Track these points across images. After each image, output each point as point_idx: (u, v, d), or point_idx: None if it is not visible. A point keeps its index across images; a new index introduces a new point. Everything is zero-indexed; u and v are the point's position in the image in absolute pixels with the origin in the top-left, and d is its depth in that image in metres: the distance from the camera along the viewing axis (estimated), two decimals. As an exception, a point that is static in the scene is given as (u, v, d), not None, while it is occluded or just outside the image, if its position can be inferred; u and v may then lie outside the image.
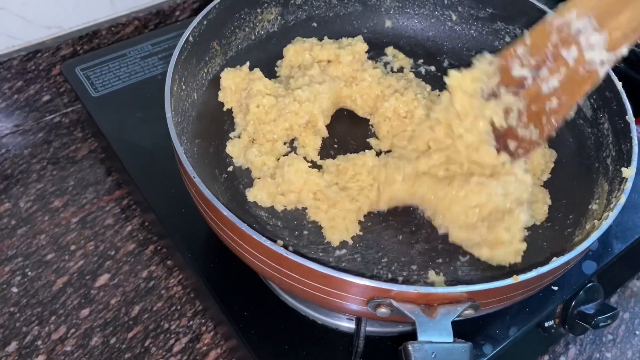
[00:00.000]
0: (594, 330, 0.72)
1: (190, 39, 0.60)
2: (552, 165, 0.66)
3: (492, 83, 0.59)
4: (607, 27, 0.52)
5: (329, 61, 0.70)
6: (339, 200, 0.59)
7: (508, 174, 0.57)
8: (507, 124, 0.58)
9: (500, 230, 0.55)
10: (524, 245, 0.56)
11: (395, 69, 0.76)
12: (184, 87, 0.61)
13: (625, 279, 0.79)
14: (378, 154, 0.65)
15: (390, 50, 0.77)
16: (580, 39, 0.53)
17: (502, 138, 0.58)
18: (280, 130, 0.64)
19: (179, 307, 0.68)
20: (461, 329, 0.57)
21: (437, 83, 0.74)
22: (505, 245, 0.56)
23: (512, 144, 0.59)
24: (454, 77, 0.59)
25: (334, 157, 0.65)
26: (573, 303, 0.67)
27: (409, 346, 0.40)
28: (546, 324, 0.68)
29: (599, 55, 0.52)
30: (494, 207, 0.56)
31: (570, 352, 0.73)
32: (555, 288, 0.64)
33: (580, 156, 0.63)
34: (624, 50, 0.52)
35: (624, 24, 0.51)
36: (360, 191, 0.60)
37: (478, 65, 0.60)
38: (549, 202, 0.63)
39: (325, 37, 0.74)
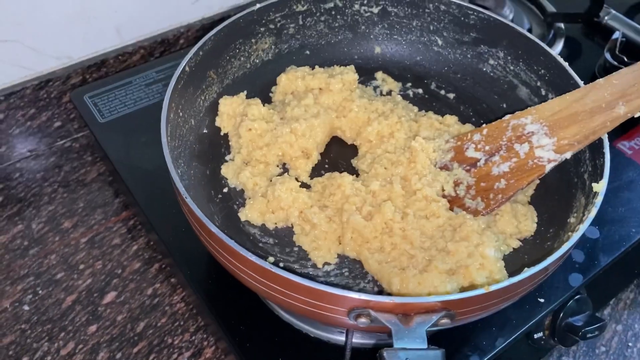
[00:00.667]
0: (583, 341, 0.74)
1: (187, 69, 0.64)
2: (538, 181, 0.68)
3: (447, 158, 0.67)
4: (556, 135, 0.61)
5: (320, 89, 0.73)
6: (316, 223, 0.62)
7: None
8: (455, 193, 0.65)
9: (475, 276, 0.57)
10: (502, 271, 0.58)
11: (384, 92, 0.79)
12: (181, 113, 0.64)
13: (616, 291, 0.80)
14: (358, 174, 0.69)
15: (379, 75, 0.80)
16: (532, 139, 0.62)
17: (450, 203, 0.64)
18: (273, 155, 0.68)
19: (182, 323, 0.71)
20: (448, 340, 0.60)
21: (424, 105, 0.78)
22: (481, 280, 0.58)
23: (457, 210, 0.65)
24: (419, 142, 0.66)
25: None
26: (561, 315, 0.69)
27: (384, 353, 0.43)
28: (535, 336, 0.70)
29: (547, 154, 0.61)
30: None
31: (563, 364, 0.75)
32: (542, 300, 0.65)
33: (560, 172, 0.65)
34: (568, 155, 0.60)
35: (570, 136, 0.60)
36: (336, 212, 0.63)
37: (438, 140, 0.68)
38: (536, 219, 0.65)
39: (317, 66, 0.78)
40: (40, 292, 0.73)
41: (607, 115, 0.59)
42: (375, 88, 0.80)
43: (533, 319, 0.64)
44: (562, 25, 0.97)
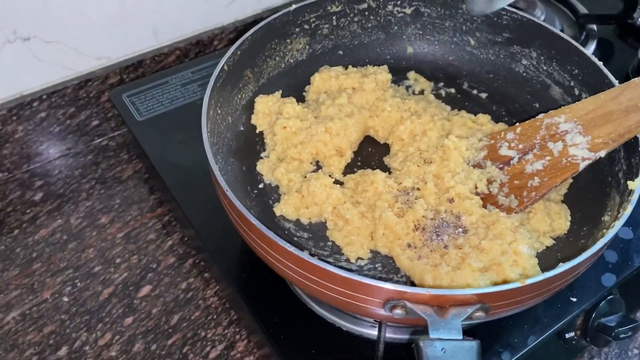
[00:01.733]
0: (616, 343, 0.73)
1: (225, 67, 0.66)
2: (571, 180, 0.68)
3: (480, 156, 0.67)
4: (590, 134, 0.61)
5: (353, 88, 0.75)
6: (349, 219, 0.63)
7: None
8: (488, 190, 0.65)
9: (508, 272, 0.57)
10: (535, 268, 0.59)
11: (416, 92, 0.80)
12: (219, 111, 0.66)
13: (649, 293, 0.79)
14: (390, 172, 0.70)
15: (412, 74, 0.81)
16: (566, 137, 0.62)
17: (483, 201, 0.65)
18: (307, 152, 0.69)
19: (215, 317, 0.72)
20: (480, 336, 0.60)
21: (456, 104, 0.78)
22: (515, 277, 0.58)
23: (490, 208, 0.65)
24: (452, 141, 0.67)
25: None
26: (593, 315, 0.68)
27: (420, 342, 0.44)
28: (567, 335, 0.70)
29: (581, 152, 0.61)
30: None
31: (595, 365, 0.74)
32: (574, 299, 0.65)
33: (594, 171, 0.65)
34: (602, 153, 0.60)
35: (604, 134, 0.60)
36: (369, 208, 0.64)
37: (471, 139, 0.69)
38: (569, 217, 0.65)
39: (350, 66, 0.79)
40: (78, 284, 0.75)
41: None
42: (407, 88, 0.80)
43: (565, 318, 0.64)
44: (594, 26, 0.96)
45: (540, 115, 0.66)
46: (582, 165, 0.61)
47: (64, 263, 0.78)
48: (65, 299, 0.74)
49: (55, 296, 0.74)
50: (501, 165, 0.66)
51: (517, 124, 0.68)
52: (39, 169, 0.89)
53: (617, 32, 0.99)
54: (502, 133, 0.67)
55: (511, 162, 0.65)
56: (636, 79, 0.61)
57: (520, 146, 0.65)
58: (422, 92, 0.80)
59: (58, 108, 0.89)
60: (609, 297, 0.68)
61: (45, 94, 0.86)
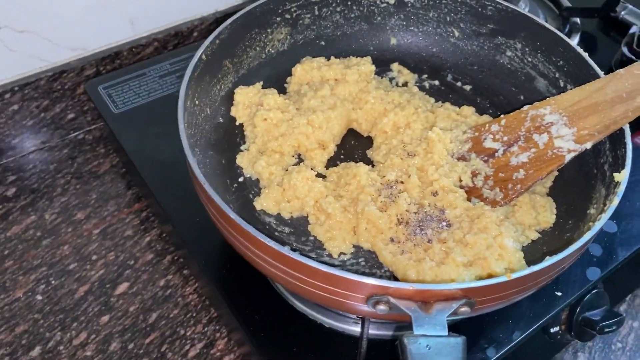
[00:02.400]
0: (601, 336, 0.73)
1: (203, 57, 0.64)
2: (556, 173, 0.68)
3: (464, 148, 0.66)
4: (576, 125, 0.61)
5: (336, 80, 0.73)
6: (331, 213, 0.61)
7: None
8: (473, 183, 0.64)
9: (494, 267, 0.56)
10: (521, 262, 0.58)
11: (400, 84, 0.79)
12: (197, 102, 0.64)
13: (633, 286, 0.79)
14: (373, 165, 0.68)
15: (395, 66, 0.80)
16: (551, 129, 0.61)
17: (467, 194, 0.63)
18: (288, 145, 0.67)
19: (194, 314, 0.71)
20: (465, 332, 0.59)
21: (440, 96, 0.77)
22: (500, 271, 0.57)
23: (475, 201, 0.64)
24: (436, 133, 0.65)
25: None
26: (578, 309, 0.68)
27: (405, 339, 0.42)
28: (552, 330, 0.69)
29: (567, 144, 0.60)
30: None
31: (579, 359, 0.74)
32: (559, 293, 0.65)
33: (580, 163, 0.64)
34: (588, 145, 0.59)
35: (590, 126, 0.59)
36: (352, 202, 0.62)
37: (455, 131, 0.67)
38: (555, 210, 0.65)
39: (333, 57, 0.77)
40: (53, 282, 0.73)
41: (628, 105, 0.58)
42: (391, 79, 0.79)
43: (550, 313, 0.63)
44: (578, 20, 0.96)
45: (525, 107, 0.65)
46: (568, 157, 0.60)
47: (37, 260, 0.75)
48: (39, 297, 0.72)
49: (28, 295, 0.72)
50: (486, 158, 0.65)
51: (502, 115, 0.67)
52: (12, 163, 0.87)
53: (600, 26, 0.99)
54: (487, 125, 0.67)
55: (496, 154, 0.64)
56: (621, 69, 0.60)
57: (505, 138, 0.64)
58: (405, 84, 0.79)
59: (31, 100, 0.86)
60: (593, 291, 0.68)
61: (17, 85, 0.84)
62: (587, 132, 0.59)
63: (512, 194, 0.62)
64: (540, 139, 0.62)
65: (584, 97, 0.61)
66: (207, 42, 0.64)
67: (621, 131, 0.59)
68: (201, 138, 0.66)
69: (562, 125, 0.61)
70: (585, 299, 0.68)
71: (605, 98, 0.59)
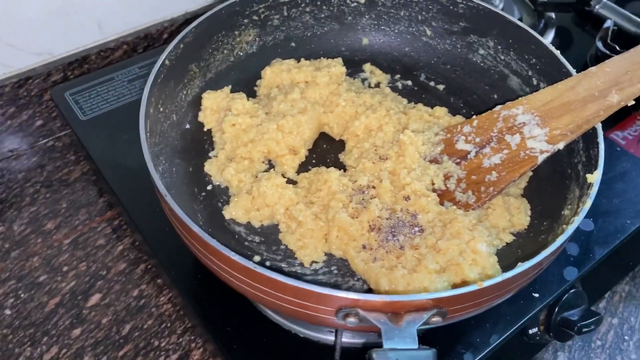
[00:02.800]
0: (579, 336, 0.73)
1: (167, 62, 0.62)
2: (530, 173, 0.67)
3: (436, 151, 0.65)
4: (548, 125, 0.60)
5: (306, 82, 0.72)
6: (302, 221, 0.60)
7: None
8: (445, 186, 0.63)
9: (467, 272, 0.55)
10: (495, 266, 0.57)
11: (372, 85, 0.78)
12: (161, 109, 0.62)
13: (611, 284, 0.79)
14: (345, 169, 0.67)
15: (367, 66, 0.79)
16: (523, 129, 0.60)
17: (440, 197, 0.62)
18: (258, 151, 0.66)
19: (168, 325, 0.69)
20: (440, 338, 0.59)
21: (413, 97, 0.76)
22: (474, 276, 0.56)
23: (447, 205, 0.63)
24: (407, 135, 0.64)
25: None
26: (556, 309, 0.67)
27: (373, 354, 0.41)
28: (530, 331, 0.68)
29: (540, 145, 0.59)
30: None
31: (559, 359, 0.73)
32: (537, 295, 0.64)
33: (554, 163, 0.64)
34: (561, 146, 0.58)
35: (562, 126, 0.58)
36: (323, 208, 0.61)
37: (427, 133, 0.66)
38: (529, 212, 0.64)
39: (303, 58, 0.76)
40: (22, 295, 0.72)
41: (600, 104, 0.57)
42: (363, 80, 0.78)
43: (528, 315, 0.63)
44: (552, 14, 0.95)
45: (498, 107, 0.64)
46: (541, 158, 0.59)
47: (5, 273, 0.73)
48: (8, 311, 0.70)
49: (-4, 309, 0.70)
50: (458, 160, 0.64)
51: (474, 116, 0.66)
52: (-22, 173, 0.85)
53: (575, 20, 0.99)
54: (459, 126, 0.66)
55: (468, 156, 0.64)
56: (593, 68, 0.60)
57: (478, 139, 0.64)
58: (378, 85, 0.78)
59: (-4, 108, 0.84)
60: (571, 291, 0.68)
61: (-19, 93, 0.81)
62: (560, 132, 0.58)
63: (484, 196, 0.61)
64: (513, 139, 0.61)
65: (556, 96, 0.60)
66: (170, 46, 0.62)
67: (594, 131, 0.58)
68: (167, 146, 0.64)
69: (534, 126, 0.60)
70: (564, 299, 0.67)
71: (577, 97, 0.59)
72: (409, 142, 0.63)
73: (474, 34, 0.75)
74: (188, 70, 0.68)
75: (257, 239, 0.62)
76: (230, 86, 0.71)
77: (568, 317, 0.67)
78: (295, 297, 0.46)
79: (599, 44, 0.86)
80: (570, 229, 0.50)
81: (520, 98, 0.63)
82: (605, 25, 0.88)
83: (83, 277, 0.73)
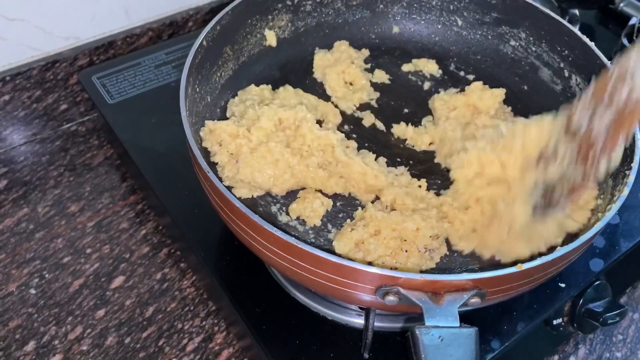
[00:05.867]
0: (603, 328, 0.73)
1: (204, 43, 0.62)
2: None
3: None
4: None
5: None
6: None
7: None
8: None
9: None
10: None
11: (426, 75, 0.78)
12: (197, 89, 0.63)
13: (634, 279, 0.79)
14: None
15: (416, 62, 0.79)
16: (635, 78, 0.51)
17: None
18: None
19: (192, 308, 0.70)
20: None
21: (442, 86, 0.76)
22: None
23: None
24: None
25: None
26: (581, 301, 0.67)
27: (417, 330, 0.41)
28: (554, 322, 0.68)
29: None
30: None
31: (580, 351, 0.73)
32: (563, 285, 0.64)
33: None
34: None
35: None
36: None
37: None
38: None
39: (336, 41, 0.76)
40: (46, 275, 0.72)
41: None
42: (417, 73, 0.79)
43: (554, 304, 0.63)
44: (576, 11, 0.95)
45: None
46: None
47: (30, 254, 0.74)
48: (33, 291, 0.70)
49: (21, 288, 0.70)
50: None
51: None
52: (2, 155, 0.85)
53: (598, 18, 0.99)
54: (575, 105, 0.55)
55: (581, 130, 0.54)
56: None
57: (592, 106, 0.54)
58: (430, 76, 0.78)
59: (23, 91, 0.84)
60: (596, 283, 0.68)
61: (8, 75, 0.82)
62: None
63: (589, 168, 0.53)
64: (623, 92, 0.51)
65: None
66: (207, 28, 0.63)
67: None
68: (202, 127, 0.64)
69: None
70: (588, 290, 0.67)
71: None
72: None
73: (506, 24, 0.75)
74: (223, 53, 0.68)
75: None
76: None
77: (593, 309, 0.67)
78: (335, 274, 0.46)
79: (625, 41, 0.86)
80: (607, 217, 0.50)
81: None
82: (631, 22, 0.88)
83: (106, 260, 0.74)
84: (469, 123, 0.69)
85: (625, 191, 0.52)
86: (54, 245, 0.75)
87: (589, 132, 0.54)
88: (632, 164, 0.55)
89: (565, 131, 0.56)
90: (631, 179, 0.53)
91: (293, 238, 0.45)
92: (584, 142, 0.54)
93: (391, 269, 0.48)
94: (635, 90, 0.51)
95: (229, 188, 0.59)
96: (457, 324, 0.42)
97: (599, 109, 0.53)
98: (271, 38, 0.74)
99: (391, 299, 0.45)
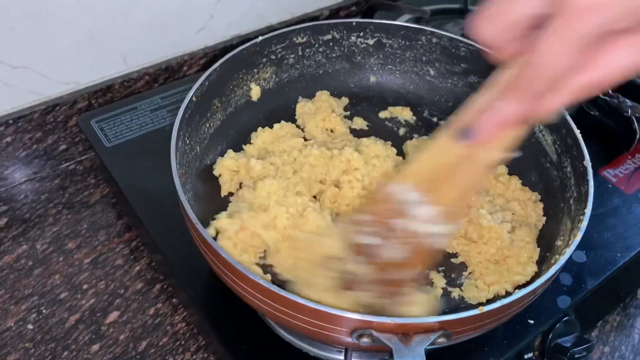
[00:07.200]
0: (571, 361, 0.76)
1: (194, 99, 0.67)
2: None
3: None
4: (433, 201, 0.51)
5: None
6: None
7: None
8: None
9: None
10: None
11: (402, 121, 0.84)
12: (187, 141, 0.67)
13: (602, 313, 0.83)
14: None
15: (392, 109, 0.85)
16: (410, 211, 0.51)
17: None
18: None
19: (183, 342, 0.72)
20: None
21: (416, 132, 0.82)
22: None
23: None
24: None
25: None
26: (550, 335, 0.71)
27: (386, 370, 0.45)
28: (526, 356, 0.72)
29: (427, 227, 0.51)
30: None
31: (553, 383, 0.76)
32: (532, 321, 0.68)
33: (548, 197, 0.68)
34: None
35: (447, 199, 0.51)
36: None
37: None
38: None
39: (317, 91, 0.81)
40: (44, 311, 0.75)
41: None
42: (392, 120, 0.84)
43: (523, 340, 0.66)
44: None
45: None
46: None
47: (29, 290, 0.77)
48: (30, 326, 0.73)
49: (19, 324, 0.73)
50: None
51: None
52: (3, 193, 0.88)
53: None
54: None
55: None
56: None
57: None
58: (405, 123, 0.83)
59: (24, 133, 0.88)
60: (564, 319, 0.71)
61: (11, 119, 0.85)
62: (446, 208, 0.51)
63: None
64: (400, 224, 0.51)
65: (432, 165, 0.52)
66: (197, 84, 0.67)
67: (584, 168, 0.62)
68: (191, 176, 0.68)
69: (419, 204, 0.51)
70: (557, 325, 0.71)
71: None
72: None
73: (474, 75, 0.80)
74: (212, 105, 0.72)
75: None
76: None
77: (561, 344, 0.71)
78: (314, 317, 0.50)
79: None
80: (562, 260, 0.54)
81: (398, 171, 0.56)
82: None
83: (102, 295, 0.76)
84: None
85: (579, 236, 0.56)
86: (52, 281, 0.77)
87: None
88: (585, 210, 0.59)
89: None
90: (584, 224, 0.57)
91: (274, 285, 0.49)
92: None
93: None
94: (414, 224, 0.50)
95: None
96: (423, 363, 0.46)
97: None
98: (255, 93, 0.79)
99: (365, 340, 0.49)
